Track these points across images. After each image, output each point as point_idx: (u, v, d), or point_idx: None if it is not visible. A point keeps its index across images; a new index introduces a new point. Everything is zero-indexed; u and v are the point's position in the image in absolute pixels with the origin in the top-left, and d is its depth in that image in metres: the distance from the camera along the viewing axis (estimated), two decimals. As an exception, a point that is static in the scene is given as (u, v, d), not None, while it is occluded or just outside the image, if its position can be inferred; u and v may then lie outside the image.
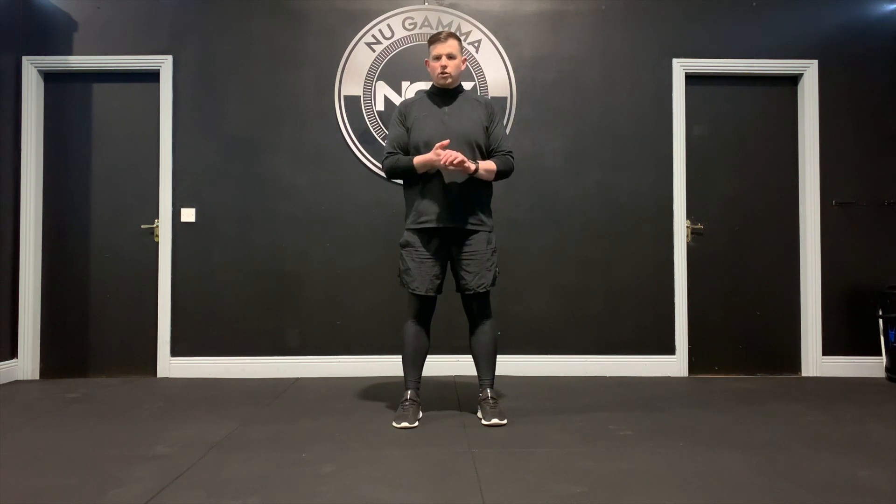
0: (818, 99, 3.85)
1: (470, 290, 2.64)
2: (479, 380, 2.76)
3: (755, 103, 3.92)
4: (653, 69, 3.85)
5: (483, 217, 2.66)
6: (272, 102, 3.82)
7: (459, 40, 2.69)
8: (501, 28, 3.85)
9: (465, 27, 3.83)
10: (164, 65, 3.80)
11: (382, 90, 3.82)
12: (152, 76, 3.84)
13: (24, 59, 3.77)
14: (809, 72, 3.86)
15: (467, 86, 3.82)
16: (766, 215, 3.90)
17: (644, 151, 3.84)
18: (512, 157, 2.74)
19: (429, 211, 2.60)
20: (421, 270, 2.62)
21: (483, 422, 2.62)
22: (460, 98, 2.71)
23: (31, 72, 3.77)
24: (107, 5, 3.82)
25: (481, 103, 2.72)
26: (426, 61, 2.73)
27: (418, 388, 2.73)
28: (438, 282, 2.65)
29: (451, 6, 3.85)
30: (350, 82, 3.83)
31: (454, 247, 2.65)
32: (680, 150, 3.82)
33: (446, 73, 2.64)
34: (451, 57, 2.63)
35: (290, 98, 3.83)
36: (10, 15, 3.72)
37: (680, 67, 3.84)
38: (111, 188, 3.84)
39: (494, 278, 2.69)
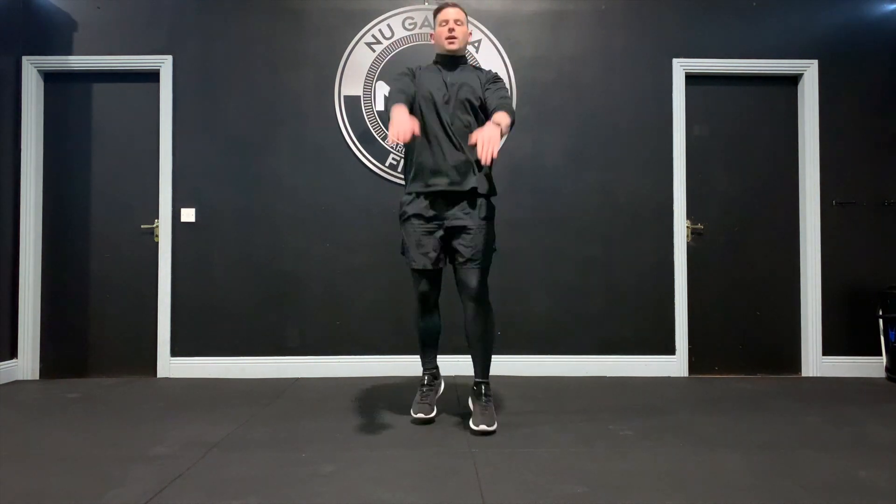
0: (818, 99, 3.85)
1: (464, 260, 2.54)
2: (474, 369, 2.66)
3: (755, 103, 3.92)
4: (653, 69, 3.85)
5: (482, 181, 2.59)
6: (272, 102, 3.82)
7: (465, 13, 2.71)
8: (501, 28, 3.85)
9: (465, 27, 3.83)
10: (164, 65, 3.80)
11: (382, 90, 3.82)
12: (152, 76, 3.84)
13: (24, 59, 3.77)
14: (809, 72, 3.86)
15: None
16: (766, 215, 3.90)
17: (644, 151, 3.84)
18: (510, 105, 2.59)
19: (427, 175, 2.57)
20: (419, 242, 2.56)
21: (472, 425, 2.51)
22: (465, 67, 2.71)
23: (31, 72, 3.77)
24: (107, 5, 3.82)
25: (483, 70, 2.73)
26: (431, 34, 2.76)
27: (436, 368, 2.77)
28: (437, 254, 2.58)
29: (451, 6, 3.84)
30: (350, 82, 3.83)
31: (453, 212, 2.57)
32: (680, 150, 3.82)
33: (453, 36, 2.63)
34: (458, 22, 2.65)
35: (290, 98, 3.83)
36: (10, 15, 3.72)
37: (680, 67, 3.84)
38: (111, 188, 3.84)
39: (492, 252, 2.62)
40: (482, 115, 2.64)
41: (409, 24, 3.84)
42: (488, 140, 2.27)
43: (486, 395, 2.62)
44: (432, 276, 2.63)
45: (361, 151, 3.81)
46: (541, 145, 3.83)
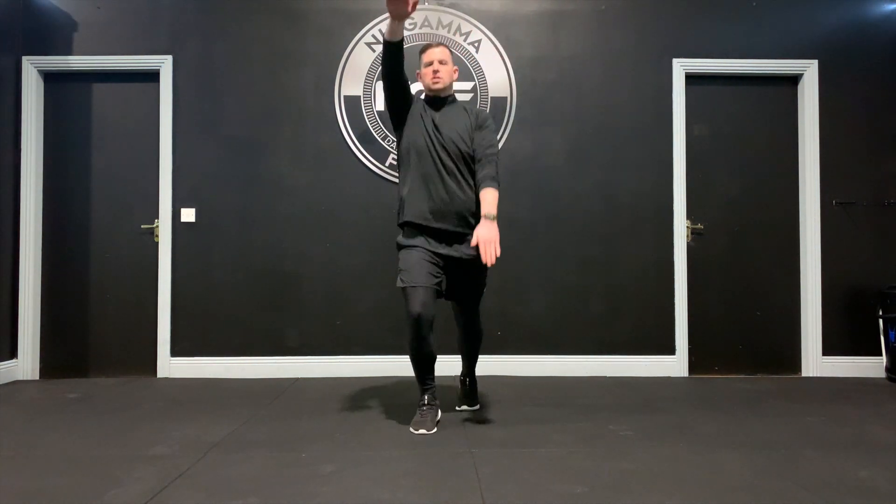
0: (818, 99, 3.85)
1: (466, 295, 2.69)
2: (463, 368, 2.95)
3: (755, 103, 3.92)
4: (653, 69, 3.85)
5: (476, 219, 2.61)
6: (272, 102, 3.82)
7: (451, 50, 2.71)
8: (501, 28, 3.85)
9: (465, 27, 3.83)
10: (164, 65, 3.80)
11: (383, 90, 3.81)
12: (152, 76, 3.84)
13: (24, 59, 3.77)
14: (809, 72, 3.86)
15: (468, 85, 3.82)
16: (766, 215, 3.90)
17: (644, 151, 3.84)
18: (496, 160, 2.61)
19: (424, 216, 2.56)
20: (420, 263, 2.51)
21: (456, 407, 2.90)
22: (453, 105, 2.69)
23: (31, 72, 3.77)
24: (107, 5, 3.82)
25: (471, 112, 2.68)
26: (418, 73, 2.73)
27: (434, 390, 2.64)
28: (436, 277, 2.53)
29: (451, 6, 3.85)
30: (350, 82, 3.83)
31: (454, 248, 2.59)
32: (680, 150, 3.82)
33: (438, 77, 2.62)
34: (442, 62, 2.64)
35: (290, 98, 3.83)
36: (10, 15, 3.72)
37: (680, 67, 3.84)
38: (111, 188, 3.84)
39: (483, 288, 2.75)
40: (468, 159, 2.62)
41: (409, 24, 3.84)
42: (487, 242, 2.39)
43: (471, 381, 2.91)
44: (428, 296, 2.47)
45: (361, 151, 3.81)
46: (541, 145, 3.83)
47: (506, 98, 3.81)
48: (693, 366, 3.84)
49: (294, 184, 3.81)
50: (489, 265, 2.42)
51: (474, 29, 3.84)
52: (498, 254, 2.42)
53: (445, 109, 2.67)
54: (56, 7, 3.80)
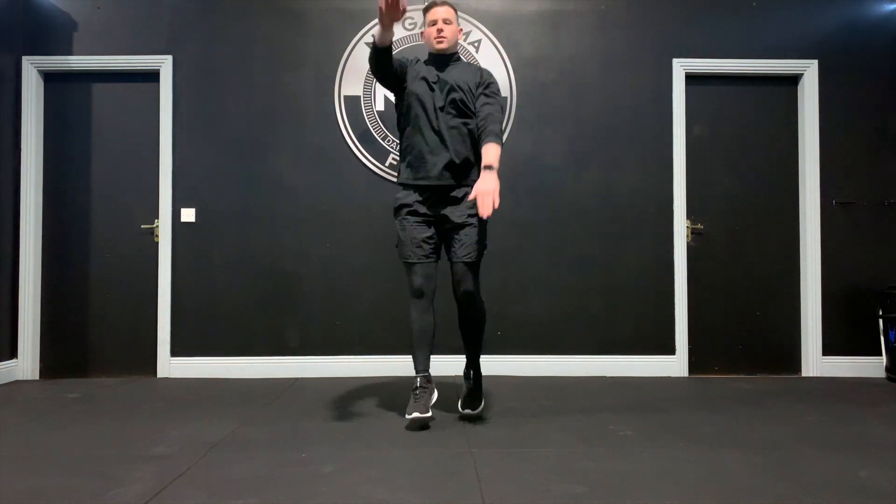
0: (818, 99, 3.85)
1: (457, 258, 2.59)
2: (466, 358, 2.81)
3: (755, 103, 3.92)
4: (653, 69, 3.85)
5: (474, 177, 2.64)
6: (272, 102, 3.82)
7: (455, 10, 2.72)
8: (501, 28, 3.85)
9: (465, 27, 3.83)
10: (164, 65, 3.80)
11: (382, 90, 3.82)
12: (152, 76, 3.84)
13: (24, 59, 3.77)
14: (809, 72, 3.86)
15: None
16: (766, 215, 3.90)
17: (644, 151, 3.84)
18: (499, 117, 2.63)
19: (418, 169, 2.61)
20: (411, 235, 2.61)
21: (459, 408, 2.72)
22: (457, 63, 2.72)
23: (31, 72, 3.77)
24: (107, 5, 3.82)
25: (477, 69, 2.71)
26: (422, 32, 2.77)
27: (428, 372, 2.67)
28: (429, 247, 2.62)
29: (451, 6, 3.84)
30: (350, 82, 3.82)
31: (444, 209, 2.61)
32: (680, 150, 3.82)
33: (442, 36, 2.64)
34: (446, 21, 2.65)
35: (290, 98, 3.83)
36: (10, 15, 3.72)
37: (680, 67, 3.84)
38: (111, 188, 3.84)
39: (483, 248, 2.64)
40: (470, 113, 2.64)
41: (409, 25, 3.84)
42: (484, 194, 2.37)
43: (474, 376, 2.78)
44: (426, 270, 2.63)
45: (361, 151, 3.81)
46: (541, 145, 3.82)
47: (506, 98, 3.81)
48: (693, 366, 3.84)
49: (294, 184, 3.81)
50: (485, 217, 2.40)
51: (474, 29, 3.84)
52: (496, 205, 2.38)
53: (450, 68, 2.68)
54: (56, 7, 3.80)
